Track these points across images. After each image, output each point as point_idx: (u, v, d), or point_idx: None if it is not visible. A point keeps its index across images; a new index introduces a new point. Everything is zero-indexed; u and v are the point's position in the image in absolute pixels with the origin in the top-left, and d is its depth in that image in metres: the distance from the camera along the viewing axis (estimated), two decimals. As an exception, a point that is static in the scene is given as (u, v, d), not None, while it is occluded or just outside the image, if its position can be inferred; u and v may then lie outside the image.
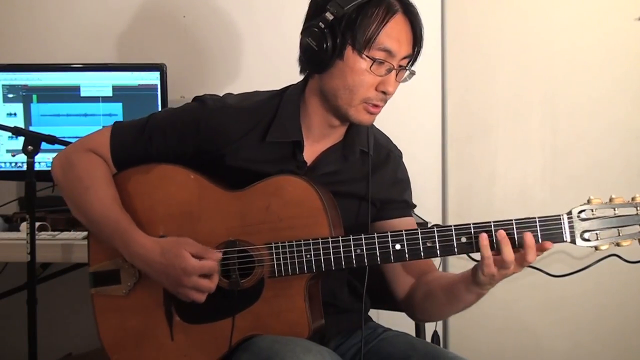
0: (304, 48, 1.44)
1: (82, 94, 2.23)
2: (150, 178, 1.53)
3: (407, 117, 2.43)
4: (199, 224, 1.48)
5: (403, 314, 1.71)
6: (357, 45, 1.40)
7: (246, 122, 1.52)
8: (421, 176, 2.41)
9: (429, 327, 2.10)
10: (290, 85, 1.58)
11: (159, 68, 2.21)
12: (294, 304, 1.41)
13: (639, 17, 2.35)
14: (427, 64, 2.42)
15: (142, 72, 2.22)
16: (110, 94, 2.22)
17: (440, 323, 2.35)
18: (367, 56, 1.41)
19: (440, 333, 2.30)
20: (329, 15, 1.39)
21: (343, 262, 1.39)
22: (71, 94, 2.22)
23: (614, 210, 1.32)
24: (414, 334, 1.84)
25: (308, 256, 1.39)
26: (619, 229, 1.32)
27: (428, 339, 2.09)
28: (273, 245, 1.41)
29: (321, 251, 1.39)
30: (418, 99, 2.45)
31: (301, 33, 1.45)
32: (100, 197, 1.50)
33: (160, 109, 2.20)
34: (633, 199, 1.32)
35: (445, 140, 2.47)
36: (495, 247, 1.32)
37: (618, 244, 1.32)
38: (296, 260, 1.40)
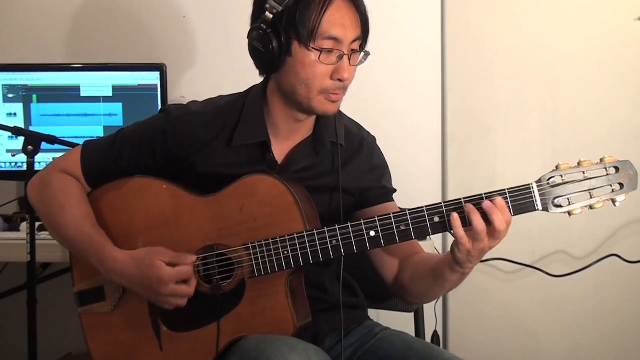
0: (252, 51, 1.44)
1: (82, 94, 2.22)
2: (124, 192, 1.54)
3: (407, 118, 2.43)
4: (177, 232, 1.48)
5: (403, 314, 1.72)
6: (302, 39, 1.40)
7: (212, 127, 1.53)
8: (421, 177, 2.41)
9: (429, 327, 2.10)
10: (254, 86, 1.58)
11: (159, 68, 2.21)
12: (277, 302, 1.41)
13: (639, 17, 2.35)
14: (427, 65, 2.44)
15: (142, 72, 2.22)
16: (111, 94, 2.22)
17: (440, 323, 2.35)
18: (313, 48, 1.40)
19: (440, 333, 2.30)
20: (269, 15, 1.39)
21: (320, 255, 1.39)
22: (71, 94, 2.22)
23: (584, 173, 1.30)
24: (413, 334, 1.84)
25: (285, 252, 1.39)
26: (591, 191, 1.30)
27: (428, 339, 2.09)
28: (250, 245, 1.42)
29: (298, 246, 1.39)
30: (418, 100, 2.45)
31: (247, 37, 1.45)
32: (73, 216, 1.51)
33: (160, 109, 2.20)
34: (602, 160, 1.31)
35: (445, 141, 2.47)
36: (467, 221, 1.31)
37: (591, 207, 1.31)
38: (274, 258, 1.40)
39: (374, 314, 1.72)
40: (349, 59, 1.43)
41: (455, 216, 1.31)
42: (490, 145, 2.45)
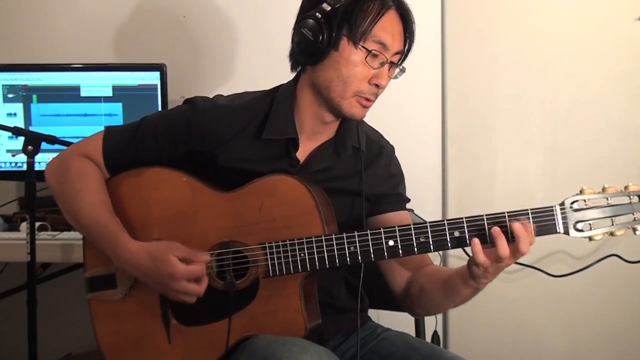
0: (299, 39, 1.44)
1: (82, 94, 2.22)
2: (142, 181, 1.53)
3: (407, 116, 2.43)
4: (193, 226, 1.48)
5: (403, 314, 1.71)
6: (353, 37, 1.42)
7: (238, 121, 1.53)
8: (421, 174, 2.42)
9: (429, 327, 2.10)
10: (282, 85, 1.58)
11: (159, 68, 2.21)
12: (290, 304, 1.41)
13: (639, 17, 2.35)
14: (427, 63, 2.44)
15: (142, 72, 2.22)
16: (111, 94, 2.22)
17: (440, 323, 2.35)
18: (362, 46, 1.42)
19: (440, 333, 2.30)
20: (326, 6, 1.42)
21: (337, 260, 1.39)
22: (71, 94, 2.22)
23: (607, 199, 1.31)
24: (414, 334, 1.84)
25: (302, 255, 1.39)
26: (613, 218, 1.31)
27: (428, 338, 2.09)
28: (267, 245, 1.42)
29: (315, 250, 1.39)
30: (418, 98, 2.45)
31: (296, 25, 1.47)
32: (90, 202, 1.50)
33: (160, 109, 2.20)
34: (626, 187, 1.32)
35: (445, 138, 2.47)
36: (489, 241, 1.31)
37: (612, 234, 1.32)
38: (290, 260, 1.40)
39: (374, 314, 1.72)
40: (388, 70, 1.46)
41: (475, 242, 1.31)
42: (490, 143, 2.45)
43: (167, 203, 1.50)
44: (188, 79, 2.44)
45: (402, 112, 2.42)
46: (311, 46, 1.43)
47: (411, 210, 2.12)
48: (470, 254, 1.33)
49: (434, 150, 2.47)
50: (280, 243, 1.41)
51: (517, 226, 1.29)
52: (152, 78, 2.22)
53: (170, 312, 1.48)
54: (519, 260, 2.40)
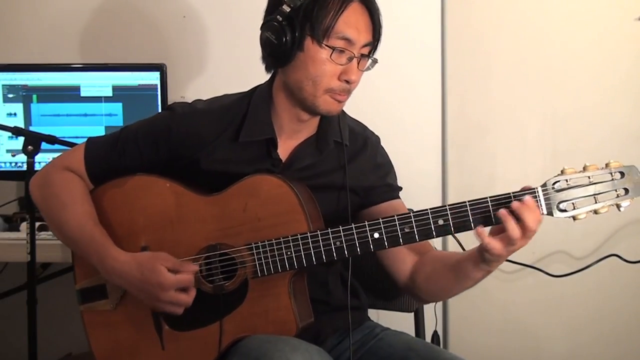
0: (264, 43, 1.45)
1: (82, 94, 2.22)
2: (126, 190, 1.54)
3: (407, 120, 2.43)
4: (179, 231, 1.48)
5: (403, 314, 1.72)
6: (316, 35, 1.41)
7: (217, 124, 1.53)
8: (421, 178, 2.41)
9: (429, 327, 2.10)
10: (259, 86, 1.59)
11: (159, 68, 2.22)
12: (280, 302, 1.42)
13: (639, 17, 2.34)
14: (427, 67, 2.44)
15: (142, 72, 2.22)
16: (111, 94, 2.22)
17: (440, 323, 2.35)
18: (326, 45, 1.41)
19: (440, 333, 2.29)
20: (286, 8, 1.41)
21: (324, 256, 1.39)
22: (71, 94, 2.22)
23: (589, 178, 1.31)
24: (413, 334, 1.84)
25: (289, 253, 1.40)
26: (595, 196, 1.31)
27: (428, 339, 2.09)
28: (253, 245, 1.42)
29: (301, 247, 1.39)
30: (418, 102, 2.45)
31: (260, 28, 1.46)
32: (75, 214, 1.51)
33: (160, 109, 2.20)
34: (607, 165, 1.31)
35: (445, 142, 2.46)
36: (495, 222, 1.31)
37: (596, 212, 1.31)
38: (277, 259, 1.40)
39: (373, 314, 1.72)
40: (358, 63, 1.44)
41: (480, 231, 1.31)
42: (490, 147, 2.44)
43: (153, 210, 1.51)
44: (188, 79, 2.44)
45: (402, 116, 2.42)
46: (276, 49, 1.43)
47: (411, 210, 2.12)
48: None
49: (434, 155, 2.46)
50: (267, 242, 1.41)
51: (515, 203, 1.30)
52: (152, 78, 2.22)
53: (162, 319, 1.49)
54: (519, 260, 2.42)
